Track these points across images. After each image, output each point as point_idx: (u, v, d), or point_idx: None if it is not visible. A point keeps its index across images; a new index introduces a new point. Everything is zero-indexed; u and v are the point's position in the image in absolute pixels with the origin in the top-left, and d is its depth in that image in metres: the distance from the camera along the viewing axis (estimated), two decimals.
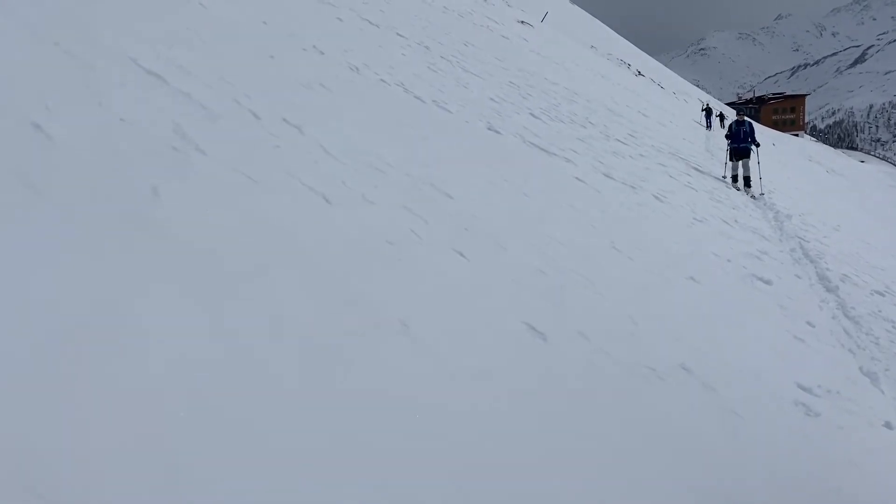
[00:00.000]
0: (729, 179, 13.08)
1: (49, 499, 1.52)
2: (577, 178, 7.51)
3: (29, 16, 4.14)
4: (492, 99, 9.84)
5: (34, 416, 1.70)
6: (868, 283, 7.79)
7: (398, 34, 11.30)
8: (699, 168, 13.45)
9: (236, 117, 4.29)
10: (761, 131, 35.16)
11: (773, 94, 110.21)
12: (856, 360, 5.13)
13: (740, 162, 12.89)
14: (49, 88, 3.37)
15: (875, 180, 46.28)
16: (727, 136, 13.28)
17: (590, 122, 12.57)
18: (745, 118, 13.43)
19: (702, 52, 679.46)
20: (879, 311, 6.63)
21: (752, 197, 12.30)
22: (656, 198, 8.37)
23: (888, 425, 4.07)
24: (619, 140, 12.06)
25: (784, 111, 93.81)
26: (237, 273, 2.66)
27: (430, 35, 12.98)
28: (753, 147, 12.87)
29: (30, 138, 2.87)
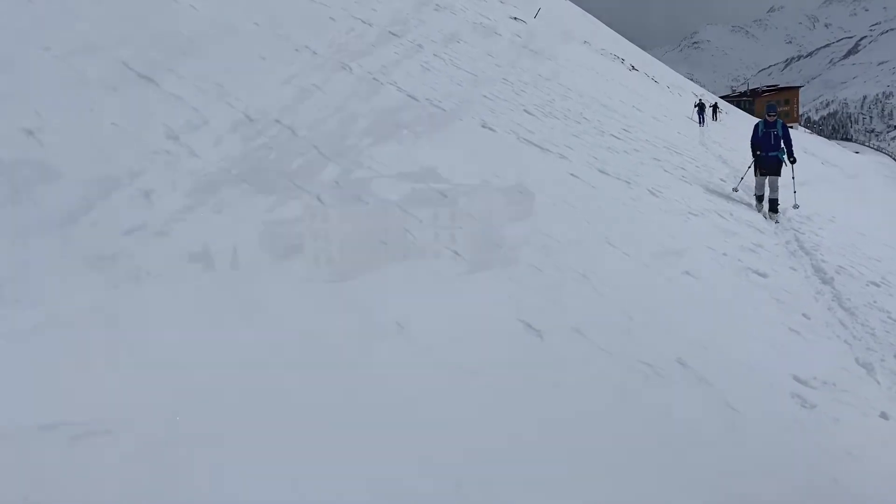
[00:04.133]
0: (754, 200, 10.04)
1: None
2: (571, 173, 7.52)
3: (18, 21, 4.13)
4: (485, 96, 9.83)
5: (29, 422, 1.70)
6: (863, 275, 7.80)
7: (391, 33, 11.29)
8: (694, 162, 13.46)
9: (229, 119, 4.29)
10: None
11: (767, 86, 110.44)
12: (852, 352, 5.15)
13: (767, 178, 9.48)
14: (40, 94, 3.36)
15: (870, 171, 46.39)
16: (752, 144, 9.72)
17: (584, 118, 12.57)
18: (777, 118, 9.66)
19: (695, 45, 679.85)
20: (875, 302, 6.64)
21: (776, 222, 9.31)
22: (651, 192, 8.38)
23: (884, 416, 4.08)
24: (613, 135, 12.07)
25: (778, 103, 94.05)
26: (232, 275, 2.66)
27: (423, 33, 12.96)
28: (787, 160, 9.35)
29: (22, 144, 2.86)
